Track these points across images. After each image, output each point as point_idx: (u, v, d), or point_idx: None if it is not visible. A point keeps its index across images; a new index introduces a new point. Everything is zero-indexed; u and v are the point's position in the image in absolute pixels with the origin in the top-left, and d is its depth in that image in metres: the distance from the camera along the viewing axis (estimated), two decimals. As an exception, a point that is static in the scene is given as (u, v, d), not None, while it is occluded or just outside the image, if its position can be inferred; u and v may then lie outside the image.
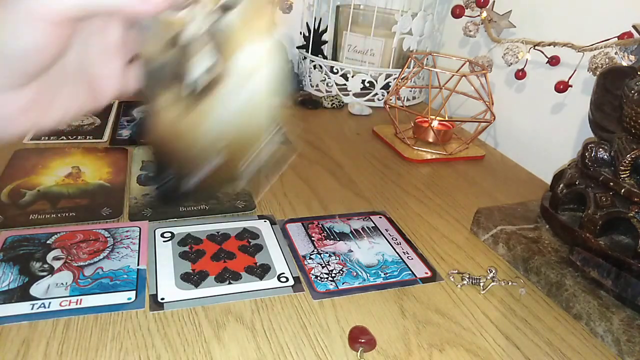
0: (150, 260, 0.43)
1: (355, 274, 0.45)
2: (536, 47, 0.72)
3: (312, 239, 0.50)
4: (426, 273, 0.46)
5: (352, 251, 0.48)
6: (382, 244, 0.50)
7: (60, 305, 0.37)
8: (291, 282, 0.43)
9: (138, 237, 0.46)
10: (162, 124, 0.28)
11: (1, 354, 0.33)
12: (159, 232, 0.48)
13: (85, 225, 0.47)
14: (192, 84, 0.26)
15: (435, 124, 0.76)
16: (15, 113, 0.24)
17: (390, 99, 0.80)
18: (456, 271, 0.47)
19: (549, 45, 0.71)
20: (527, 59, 0.74)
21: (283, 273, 0.44)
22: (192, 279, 0.42)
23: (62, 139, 0.65)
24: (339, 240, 0.50)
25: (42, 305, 0.37)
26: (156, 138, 0.28)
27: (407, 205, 0.59)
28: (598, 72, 0.60)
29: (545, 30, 0.74)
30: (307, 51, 0.96)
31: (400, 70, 0.87)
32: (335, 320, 0.39)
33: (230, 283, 0.42)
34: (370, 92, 0.94)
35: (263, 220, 0.52)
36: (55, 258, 0.42)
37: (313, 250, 0.48)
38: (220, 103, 0.26)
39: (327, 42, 0.97)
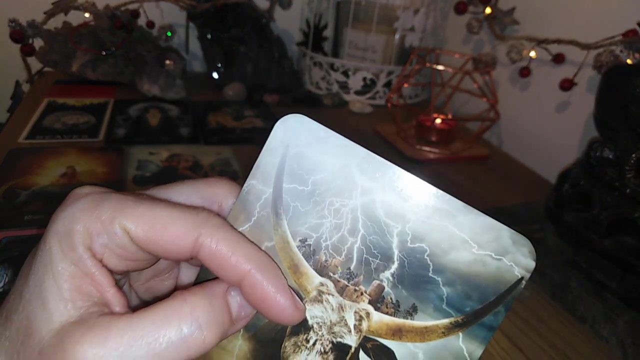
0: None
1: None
2: (541, 45, 0.71)
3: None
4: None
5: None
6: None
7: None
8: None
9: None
10: None
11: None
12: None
13: (81, 225, 0.47)
14: None
15: (438, 122, 0.75)
16: None
17: (392, 97, 0.79)
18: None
19: (554, 42, 0.70)
20: (531, 57, 0.73)
21: None
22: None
23: (57, 138, 0.64)
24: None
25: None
26: None
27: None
28: (603, 70, 0.60)
29: (549, 28, 0.73)
30: (307, 48, 0.95)
31: (402, 67, 0.86)
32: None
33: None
34: (372, 90, 0.93)
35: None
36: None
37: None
38: None
39: (327, 38, 0.96)
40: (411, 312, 0.20)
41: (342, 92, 0.92)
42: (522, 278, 0.19)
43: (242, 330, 0.21)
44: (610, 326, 0.40)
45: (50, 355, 0.17)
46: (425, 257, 0.19)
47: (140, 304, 0.24)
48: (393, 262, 0.20)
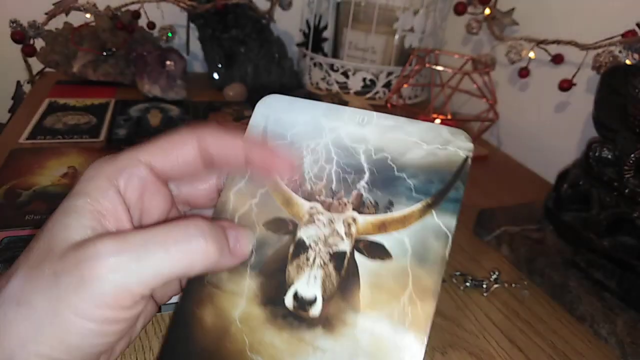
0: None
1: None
2: (540, 45, 0.72)
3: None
4: (428, 274, 0.46)
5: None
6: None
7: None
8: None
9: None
10: (219, 313, 0.23)
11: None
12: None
13: (82, 225, 0.47)
14: (292, 299, 0.23)
15: (437, 122, 0.75)
16: None
17: (392, 98, 0.79)
18: (459, 273, 0.46)
19: (553, 43, 0.70)
20: (530, 57, 0.73)
21: None
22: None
23: (58, 138, 0.64)
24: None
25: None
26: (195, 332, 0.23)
27: (408, 205, 0.58)
28: (602, 71, 0.60)
29: (548, 28, 0.74)
30: (307, 49, 0.95)
31: (402, 68, 0.86)
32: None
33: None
34: (372, 90, 0.93)
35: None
36: (52, 259, 0.41)
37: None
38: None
39: (327, 39, 0.97)
40: (389, 207, 0.24)
41: (342, 93, 0.93)
42: (467, 157, 0.23)
43: (248, 270, 0.24)
44: (610, 326, 0.40)
45: (71, 256, 0.19)
46: (389, 162, 0.24)
47: None
48: (365, 173, 0.24)
